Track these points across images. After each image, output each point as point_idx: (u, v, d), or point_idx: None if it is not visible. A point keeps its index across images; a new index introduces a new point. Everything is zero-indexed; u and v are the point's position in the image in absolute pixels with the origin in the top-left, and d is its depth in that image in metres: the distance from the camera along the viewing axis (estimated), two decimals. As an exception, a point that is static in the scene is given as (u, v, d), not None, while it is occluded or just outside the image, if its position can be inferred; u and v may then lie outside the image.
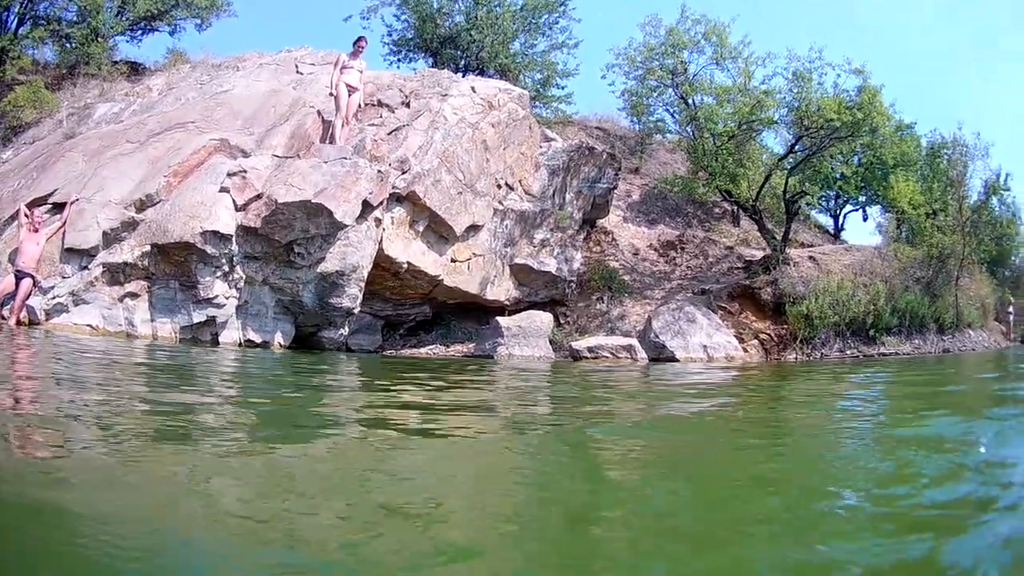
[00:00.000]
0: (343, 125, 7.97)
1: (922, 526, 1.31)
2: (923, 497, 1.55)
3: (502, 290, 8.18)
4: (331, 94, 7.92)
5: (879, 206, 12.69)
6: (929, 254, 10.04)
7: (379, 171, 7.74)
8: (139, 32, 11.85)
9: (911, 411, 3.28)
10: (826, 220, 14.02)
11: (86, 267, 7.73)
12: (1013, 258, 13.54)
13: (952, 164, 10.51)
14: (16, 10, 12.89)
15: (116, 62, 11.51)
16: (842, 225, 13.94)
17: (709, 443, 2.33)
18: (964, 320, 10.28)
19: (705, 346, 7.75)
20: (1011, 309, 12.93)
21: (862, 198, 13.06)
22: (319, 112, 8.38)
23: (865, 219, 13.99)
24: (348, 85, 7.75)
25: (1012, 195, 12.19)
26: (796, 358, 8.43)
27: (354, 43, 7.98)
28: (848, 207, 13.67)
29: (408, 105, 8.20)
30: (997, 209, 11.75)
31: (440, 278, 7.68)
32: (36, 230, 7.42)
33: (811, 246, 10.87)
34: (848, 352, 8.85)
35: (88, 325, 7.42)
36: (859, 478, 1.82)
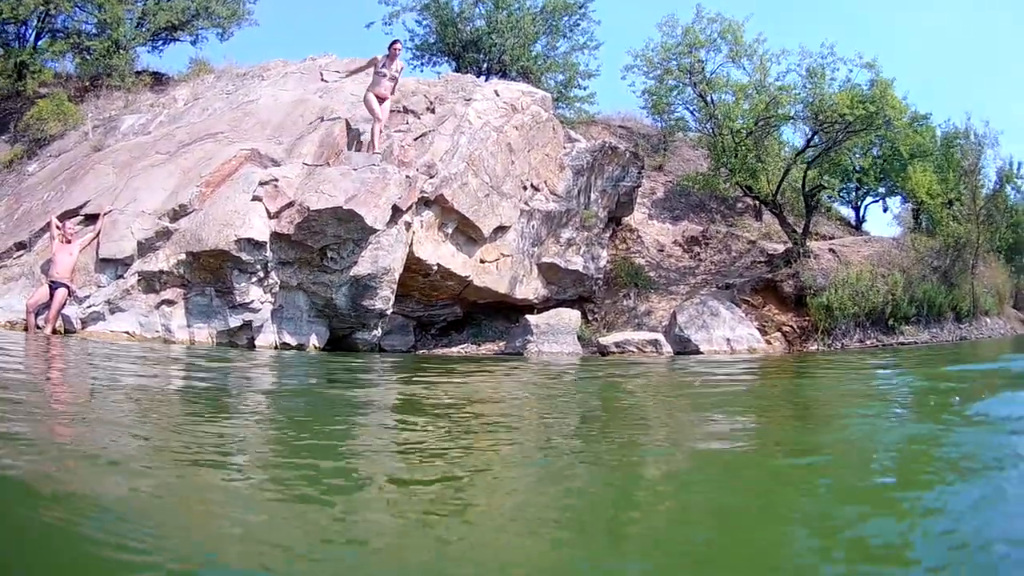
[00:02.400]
0: (380, 132, 8.25)
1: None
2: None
3: (530, 289, 8.54)
4: (370, 93, 7.78)
5: (899, 196, 12.93)
6: (946, 243, 10.28)
7: (407, 176, 8.10)
8: (160, 42, 12.21)
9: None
10: (848, 212, 14.29)
11: (121, 276, 8.14)
12: None
13: (965, 154, 10.75)
14: (34, 24, 13.22)
15: (139, 73, 11.88)
16: (863, 216, 14.15)
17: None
18: (980, 308, 10.52)
19: (728, 339, 8.08)
20: None
21: (882, 189, 13.29)
22: (346, 120, 8.73)
23: (885, 210, 14.18)
24: (378, 95, 7.87)
25: None
26: (818, 349, 8.74)
27: (389, 46, 7.85)
28: (869, 199, 13.92)
29: (433, 111, 8.55)
30: (1012, 197, 11.96)
31: (470, 279, 8.04)
32: (68, 241, 7.74)
33: (832, 238, 11.14)
34: (868, 342, 9.14)
35: (125, 332, 7.83)
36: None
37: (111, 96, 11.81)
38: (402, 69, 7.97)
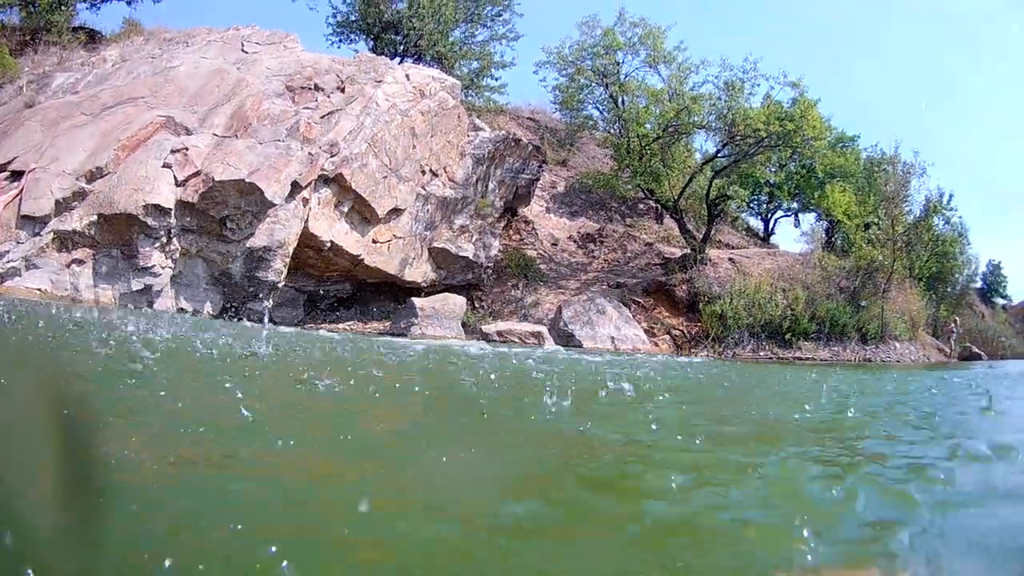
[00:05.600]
0: None
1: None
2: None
3: (420, 272, 8.94)
4: None
5: (814, 213, 13.27)
6: (857, 265, 10.63)
7: (310, 153, 8.47)
8: (98, 0, 12.51)
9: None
10: (756, 223, 14.63)
11: (39, 233, 8.53)
12: (956, 276, 14.06)
13: (888, 179, 11.06)
14: (-16, -26, 13.39)
15: (75, 29, 12.18)
16: (772, 229, 14.60)
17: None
18: (890, 332, 10.87)
19: (613, 337, 8.48)
20: (953, 328, 13.44)
21: (795, 204, 13.64)
22: (259, 94, 9.07)
23: (797, 225, 14.59)
24: None
25: (958, 215, 12.78)
26: (707, 355, 9.13)
27: None
28: (780, 212, 14.27)
29: (343, 90, 8.89)
30: (941, 228, 12.32)
31: (361, 257, 8.43)
32: (-7, 196, 7.96)
33: (735, 247, 11.50)
34: (762, 353, 9.53)
35: (38, 289, 8.24)
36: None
37: (47, 52, 12.10)
38: None
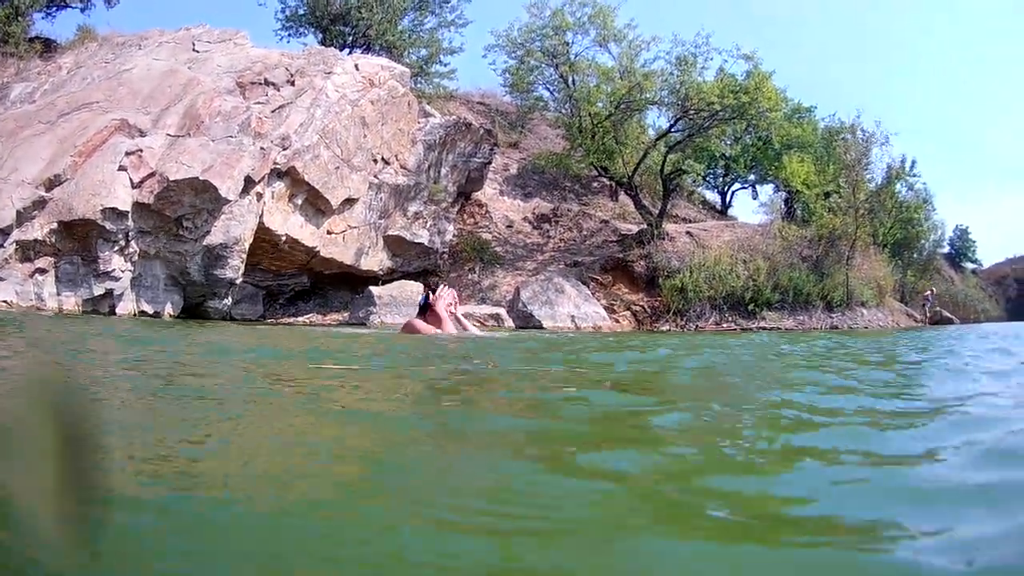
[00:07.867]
0: None
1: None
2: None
3: (376, 260, 8.97)
4: None
5: (772, 184, 13.30)
6: (819, 234, 10.69)
7: (261, 148, 8.49)
8: (54, 8, 12.53)
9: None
10: (713, 196, 14.64)
11: (2, 245, 8.54)
12: (923, 242, 14.13)
13: (847, 148, 11.10)
14: (-59, -10, 13.36)
15: (32, 39, 12.18)
16: (730, 202, 14.63)
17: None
18: (856, 298, 10.95)
19: (573, 316, 8.52)
20: (929, 296, 13.50)
21: (752, 176, 13.68)
22: (210, 92, 9.07)
23: (755, 197, 14.60)
24: None
25: (922, 182, 12.83)
26: (669, 329, 9.19)
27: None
28: (736, 184, 14.30)
29: (293, 83, 8.91)
30: (904, 194, 12.37)
31: (317, 249, 8.46)
32: (-43, 210, 7.94)
33: (693, 222, 11.55)
34: (725, 324, 9.59)
35: (4, 301, 8.26)
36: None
37: (5, 63, 12.08)
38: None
